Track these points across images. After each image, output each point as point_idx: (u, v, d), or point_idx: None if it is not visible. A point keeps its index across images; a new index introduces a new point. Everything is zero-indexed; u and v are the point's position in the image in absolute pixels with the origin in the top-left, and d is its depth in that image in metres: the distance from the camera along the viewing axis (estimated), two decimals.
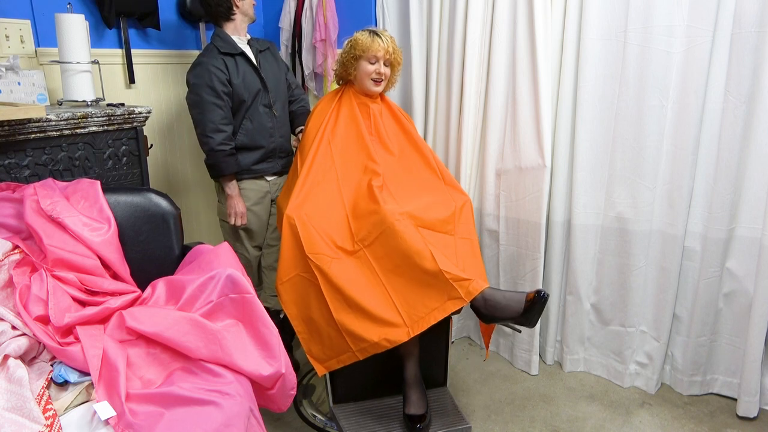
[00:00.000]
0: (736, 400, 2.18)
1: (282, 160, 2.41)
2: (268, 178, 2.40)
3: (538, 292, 1.71)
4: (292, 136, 2.50)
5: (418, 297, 1.77)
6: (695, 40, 2.03)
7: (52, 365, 1.38)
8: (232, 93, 2.20)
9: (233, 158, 2.23)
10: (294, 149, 2.43)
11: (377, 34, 2.05)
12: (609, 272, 2.36)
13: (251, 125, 2.27)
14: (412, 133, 2.16)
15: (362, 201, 1.94)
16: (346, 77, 2.14)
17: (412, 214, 1.89)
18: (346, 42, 2.12)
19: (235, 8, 2.25)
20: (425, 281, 1.77)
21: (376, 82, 2.07)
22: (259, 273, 2.53)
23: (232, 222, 2.31)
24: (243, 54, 2.25)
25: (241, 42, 2.30)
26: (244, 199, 2.33)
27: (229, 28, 2.28)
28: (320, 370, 1.90)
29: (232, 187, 2.27)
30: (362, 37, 2.06)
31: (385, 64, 2.06)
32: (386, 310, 1.78)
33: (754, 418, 2.14)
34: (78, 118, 1.95)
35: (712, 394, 2.29)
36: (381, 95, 2.16)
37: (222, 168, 2.21)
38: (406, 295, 1.79)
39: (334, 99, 2.15)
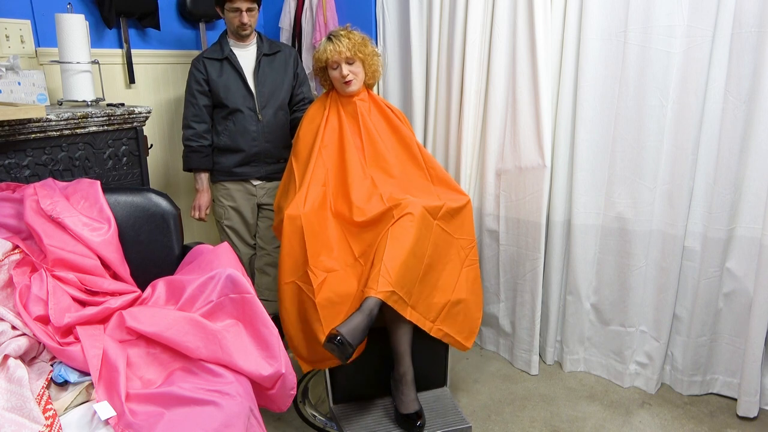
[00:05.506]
0: (736, 400, 2.18)
1: (269, 166, 2.44)
2: (254, 183, 2.44)
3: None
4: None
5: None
6: (695, 40, 2.02)
7: (52, 365, 1.38)
8: (209, 92, 2.33)
9: (198, 155, 2.35)
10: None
11: (331, 38, 2.04)
12: (609, 272, 2.36)
13: (234, 127, 2.35)
14: (401, 129, 2.12)
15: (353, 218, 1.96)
16: (327, 85, 2.16)
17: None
18: None
19: (221, 14, 2.35)
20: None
21: (347, 83, 2.05)
22: (251, 273, 2.56)
23: (191, 214, 2.45)
24: (228, 59, 2.32)
25: (238, 46, 2.36)
26: (228, 199, 2.43)
27: (229, 34, 2.38)
28: (305, 367, 1.97)
29: (198, 181, 2.41)
30: (320, 47, 2.07)
31: (348, 63, 2.03)
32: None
33: (754, 418, 2.14)
34: (78, 118, 1.95)
35: (712, 394, 2.29)
36: (368, 92, 2.15)
37: (185, 161, 2.37)
38: None
39: (324, 103, 2.14)
